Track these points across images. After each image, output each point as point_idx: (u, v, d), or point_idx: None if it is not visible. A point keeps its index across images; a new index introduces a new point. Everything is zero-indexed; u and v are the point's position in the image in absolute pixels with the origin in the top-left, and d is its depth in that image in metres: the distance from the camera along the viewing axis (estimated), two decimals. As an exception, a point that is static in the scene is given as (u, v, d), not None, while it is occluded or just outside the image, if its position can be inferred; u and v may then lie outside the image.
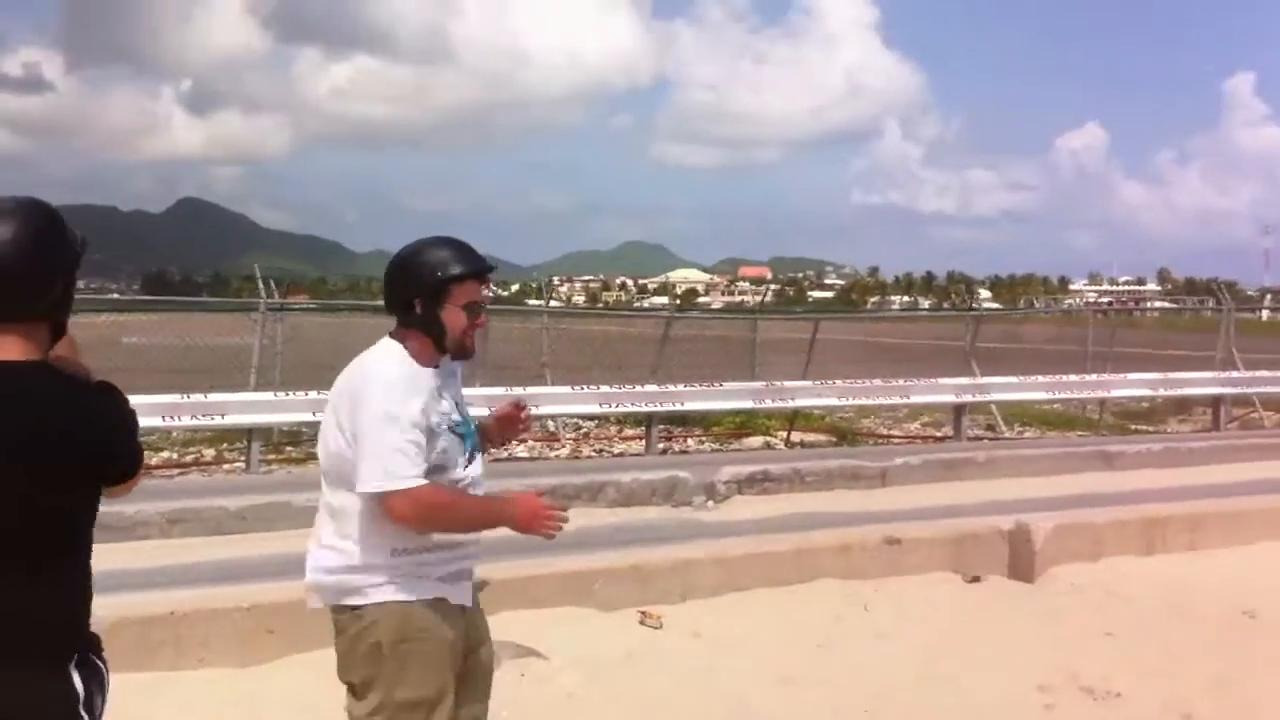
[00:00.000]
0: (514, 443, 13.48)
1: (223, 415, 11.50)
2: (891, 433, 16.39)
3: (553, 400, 13.39)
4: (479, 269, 2.87)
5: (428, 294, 2.80)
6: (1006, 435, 15.96)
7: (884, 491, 10.90)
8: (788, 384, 14.59)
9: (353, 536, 2.77)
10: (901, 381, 15.23)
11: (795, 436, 15.09)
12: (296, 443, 12.86)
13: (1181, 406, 18.35)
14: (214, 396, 11.57)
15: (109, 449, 2.01)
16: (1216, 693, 4.90)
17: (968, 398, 15.19)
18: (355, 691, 2.83)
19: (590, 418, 14.94)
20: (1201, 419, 17.57)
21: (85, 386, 2.02)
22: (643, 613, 5.74)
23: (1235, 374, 17.17)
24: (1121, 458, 12.64)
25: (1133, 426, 17.14)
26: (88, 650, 2.01)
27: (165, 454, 12.90)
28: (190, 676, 4.77)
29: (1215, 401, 16.82)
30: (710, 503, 10.26)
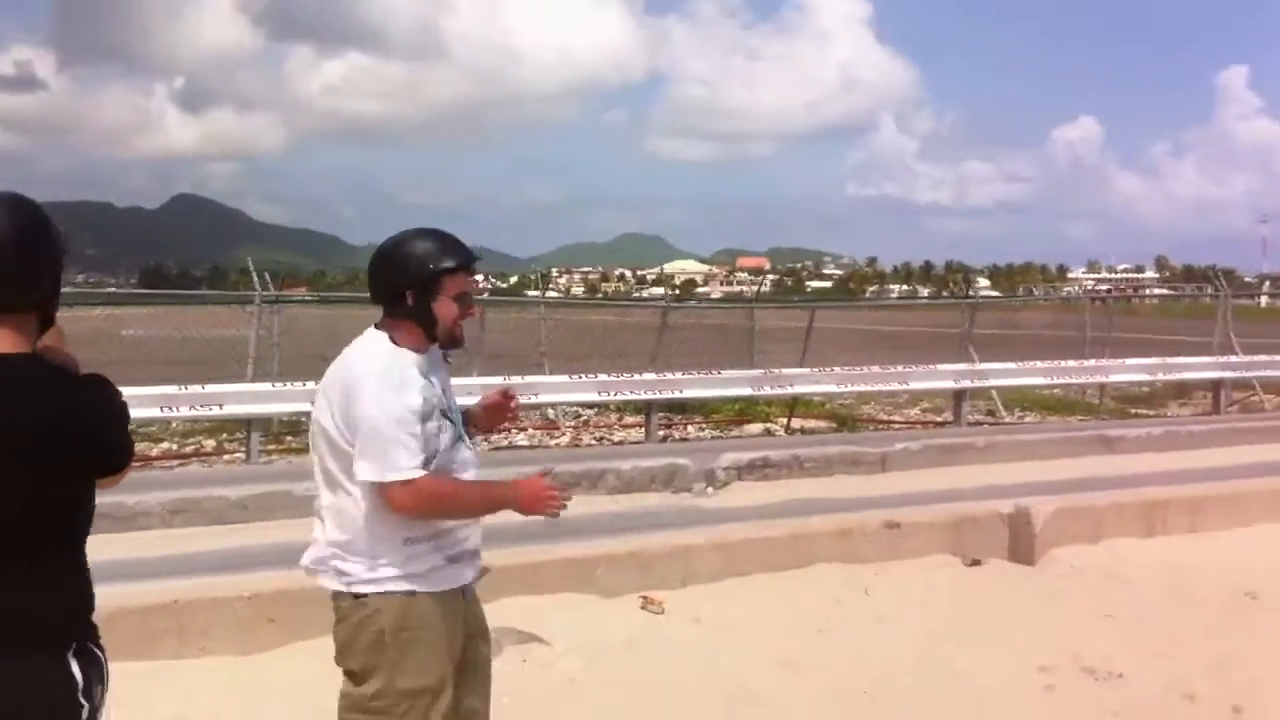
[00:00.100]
0: (513, 430, 13.49)
1: (220, 406, 11.52)
2: (892, 419, 16.38)
3: (551, 389, 13.41)
4: (468, 260, 2.87)
5: (419, 286, 2.80)
6: (1007, 420, 15.97)
7: (884, 477, 10.91)
8: (786, 371, 14.57)
9: (359, 525, 2.76)
10: (900, 368, 15.22)
11: (795, 423, 15.09)
12: (296, 433, 12.86)
13: (1182, 390, 18.37)
14: (211, 387, 11.59)
15: (100, 441, 2.01)
16: (1217, 674, 4.90)
17: (966, 383, 15.19)
18: (353, 677, 2.82)
19: (590, 406, 14.95)
20: (1202, 403, 17.58)
21: (76, 378, 2.04)
22: (644, 598, 5.74)
23: (1234, 358, 17.18)
24: (1122, 441, 12.65)
25: (1133, 410, 17.15)
26: (86, 639, 2.02)
27: (165, 445, 12.92)
28: (192, 665, 4.78)
29: (1215, 385, 16.84)
30: (710, 489, 10.27)
